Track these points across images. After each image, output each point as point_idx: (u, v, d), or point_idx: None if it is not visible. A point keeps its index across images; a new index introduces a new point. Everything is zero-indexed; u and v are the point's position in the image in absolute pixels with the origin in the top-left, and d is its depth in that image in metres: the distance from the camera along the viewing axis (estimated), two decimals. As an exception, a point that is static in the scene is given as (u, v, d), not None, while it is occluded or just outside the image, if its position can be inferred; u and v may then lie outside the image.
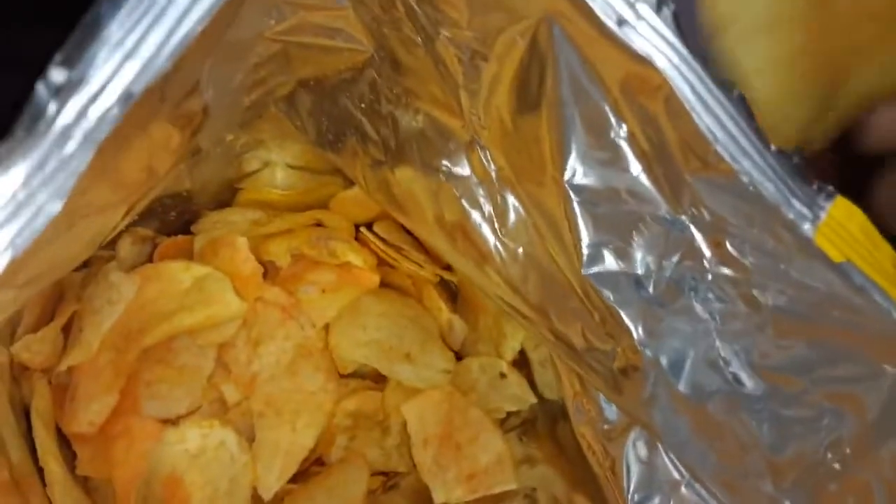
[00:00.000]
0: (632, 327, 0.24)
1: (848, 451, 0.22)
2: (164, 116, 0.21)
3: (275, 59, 0.24)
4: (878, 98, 0.21)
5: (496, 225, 0.28)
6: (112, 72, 0.14)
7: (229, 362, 0.33)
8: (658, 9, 0.16)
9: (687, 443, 0.26)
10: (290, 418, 0.33)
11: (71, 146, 0.14)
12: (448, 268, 0.36)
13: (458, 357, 0.36)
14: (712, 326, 0.22)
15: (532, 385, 0.37)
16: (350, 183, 0.33)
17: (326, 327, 0.34)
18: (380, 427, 0.35)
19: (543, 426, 0.37)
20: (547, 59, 0.21)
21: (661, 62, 0.17)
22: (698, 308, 0.22)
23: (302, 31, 0.23)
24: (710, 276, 0.22)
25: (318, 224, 0.35)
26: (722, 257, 0.21)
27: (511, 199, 0.27)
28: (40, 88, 0.13)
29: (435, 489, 0.34)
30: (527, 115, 0.23)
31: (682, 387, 0.24)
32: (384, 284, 0.36)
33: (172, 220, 0.33)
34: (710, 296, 0.22)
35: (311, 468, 0.34)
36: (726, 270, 0.21)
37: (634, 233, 0.23)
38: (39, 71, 0.14)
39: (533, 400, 0.36)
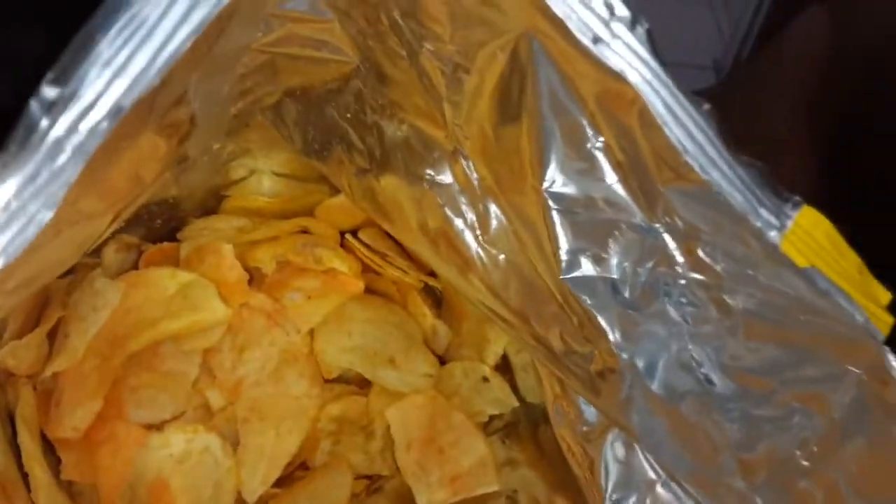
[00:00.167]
0: (608, 331, 0.25)
1: (815, 448, 0.23)
2: (152, 126, 0.22)
3: (262, 70, 0.25)
4: None
5: (478, 232, 0.29)
6: (102, 88, 0.14)
7: (214, 368, 0.34)
8: (632, 27, 0.17)
9: (663, 443, 0.27)
10: (275, 423, 0.33)
11: (62, 159, 0.14)
12: (432, 274, 0.36)
13: (442, 362, 0.37)
14: (685, 329, 0.23)
15: (514, 389, 0.37)
16: (335, 191, 0.34)
17: (311, 333, 0.35)
18: (364, 431, 0.36)
19: (525, 429, 0.37)
20: (527, 73, 0.22)
21: (633, 78, 0.18)
22: (672, 312, 0.23)
23: (289, 43, 0.24)
24: (682, 281, 0.22)
25: (304, 231, 0.35)
26: (694, 263, 0.22)
27: (493, 208, 0.28)
28: (33, 104, 0.14)
29: (418, 492, 0.34)
30: (508, 127, 0.24)
31: (656, 388, 0.24)
32: (369, 291, 0.36)
33: (158, 228, 0.33)
34: (683, 300, 0.23)
35: (295, 472, 0.35)
36: (698, 276, 0.22)
37: (611, 240, 0.24)
38: (30, 72, 0.15)
39: (515, 404, 0.37)
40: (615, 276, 0.24)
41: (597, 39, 0.17)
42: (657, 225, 0.23)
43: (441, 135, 0.26)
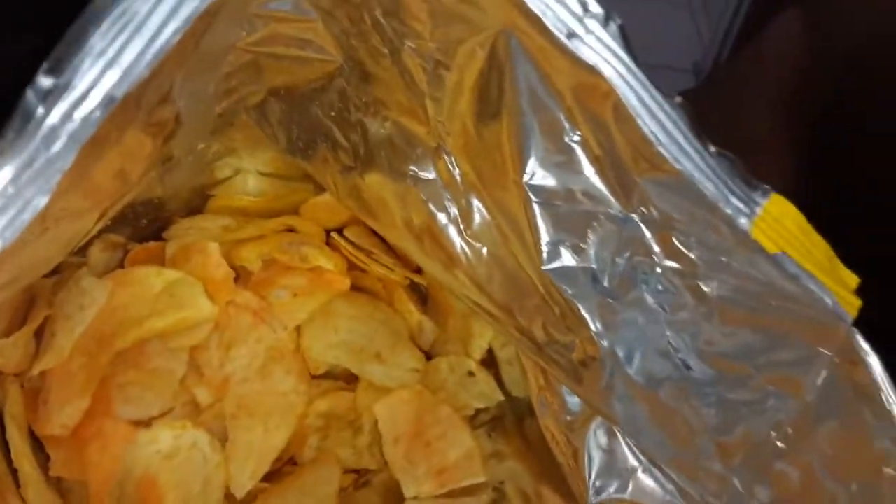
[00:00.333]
0: (589, 320, 0.25)
1: (790, 430, 0.23)
2: (138, 124, 0.22)
3: (246, 69, 0.25)
4: None
5: (462, 227, 0.29)
6: (95, 78, 0.15)
7: (202, 365, 0.34)
8: (605, 23, 0.18)
9: (643, 429, 0.28)
10: (263, 419, 0.34)
11: (57, 146, 0.15)
12: (418, 271, 0.37)
13: (428, 357, 0.37)
14: (662, 317, 0.24)
15: (500, 383, 0.38)
16: (321, 189, 0.34)
17: (298, 330, 0.35)
18: (351, 427, 0.36)
19: (511, 422, 0.38)
20: (505, 70, 0.22)
21: (608, 72, 0.19)
22: (649, 300, 0.24)
23: (273, 42, 0.24)
24: (659, 270, 0.23)
25: (290, 230, 0.36)
26: (669, 252, 0.23)
27: (475, 202, 0.28)
28: (29, 93, 0.14)
29: (406, 485, 0.34)
30: (488, 123, 0.24)
31: (636, 375, 0.25)
32: (355, 288, 0.36)
33: (144, 227, 0.33)
34: (660, 288, 0.23)
35: (283, 468, 0.35)
36: (674, 264, 0.23)
37: (590, 231, 0.24)
38: (22, 75, 0.15)
39: (501, 397, 0.37)
40: (594, 266, 0.24)
41: (571, 35, 0.18)
42: (633, 215, 0.23)
43: (423, 131, 0.27)
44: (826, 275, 0.22)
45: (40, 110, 0.14)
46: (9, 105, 0.15)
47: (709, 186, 0.20)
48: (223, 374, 0.34)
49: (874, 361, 0.22)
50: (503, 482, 0.36)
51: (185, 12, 0.15)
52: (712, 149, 0.20)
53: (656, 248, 0.23)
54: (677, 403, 0.25)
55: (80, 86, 0.15)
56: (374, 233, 0.36)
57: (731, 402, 0.24)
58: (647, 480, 0.29)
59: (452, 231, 0.29)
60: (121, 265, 0.34)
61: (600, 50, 0.18)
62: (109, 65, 0.15)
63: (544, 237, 0.25)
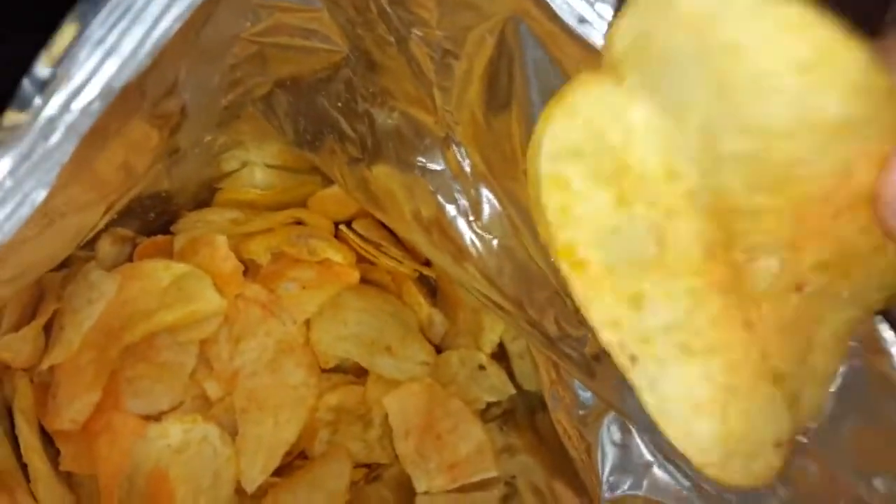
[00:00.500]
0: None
1: (810, 424, 0.23)
2: (143, 116, 0.22)
3: (251, 60, 0.25)
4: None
5: (471, 218, 0.29)
6: (94, 68, 0.14)
7: (211, 359, 0.34)
8: (617, 7, 0.17)
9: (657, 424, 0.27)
10: (273, 413, 0.34)
11: (55, 138, 0.15)
12: (427, 263, 0.36)
13: (438, 351, 0.37)
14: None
15: (511, 376, 0.37)
16: (329, 181, 0.34)
17: (307, 323, 0.35)
18: (362, 420, 0.36)
19: (523, 416, 0.38)
20: (514, 56, 0.22)
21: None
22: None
23: (278, 33, 0.24)
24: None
25: (298, 222, 0.36)
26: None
27: (486, 193, 0.28)
28: (26, 83, 0.14)
29: (417, 479, 0.34)
30: (498, 112, 0.24)
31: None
32: (364, 281, 0.36)
33: (152, 221, 0.33)
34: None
35: (294, 462, 0.35)
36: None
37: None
38: (22, 70, 0.15)
39: (512, 391, 0.37)
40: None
41: (582, 20, 0.18)
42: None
43: (432, 121, 0.26)
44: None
45: (37, 101, 0.14)
46: (8, 97, 0.14)
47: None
48: (233, 368, 0.34)
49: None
50: (515, 476, 0.35)
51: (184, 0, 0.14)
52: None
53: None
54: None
55: (78, 76, 0.14)
56: (383, 225, 0.36)
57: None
58: (662, 476, 0.28)
59: (461, 223, 0.29)
60: (129, 259, 0.34)
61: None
62: (108, 54, 0.14)
63: (556, 228, 0.25)
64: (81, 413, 0.30)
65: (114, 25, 0.14)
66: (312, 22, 0.24)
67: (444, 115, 0.26)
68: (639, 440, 0.30)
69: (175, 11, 0.14)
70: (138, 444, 0.31)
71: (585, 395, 0.31)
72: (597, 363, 0.28)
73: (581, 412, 0.32)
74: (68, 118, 0.14)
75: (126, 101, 0.15)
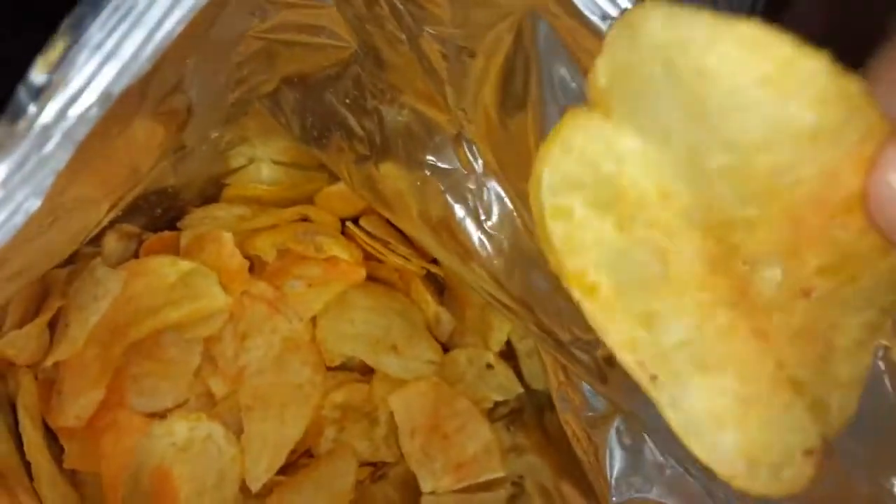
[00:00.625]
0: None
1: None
2: (147, 114, 0.21)
3: (258, 57, 0.24)
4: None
5: (482, 218, 0.28)
6: (92, 73, 0.14)
7: (216, 356, 0.33)
8: (640, 2, 0.17)
9: (669, 429, 0.27)
10: (278, 411, 0.33)
11: (50, 146, 0.14)
12: (435, 261, 0.36)
13: (446, 349, 0.37)
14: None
15: (519, 375, 0.37)
16: (336, 178, 0.33)
17: (313, 321, 0.35)
18: (368, 418, 0.36)
19: (530, 416, 0.37)
20: (531, 54, 0.21)
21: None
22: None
23: (285, 29, 0.23)
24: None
25: (304, 219, 0.35)
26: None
27: (497, 193, 0.27)
28: (21, 90, 0.14)
29: (423, 478, 0.34)
30: (513, 111, 0.23)
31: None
32: (371, 278, 0.36)
33: (158, 217, 0.33)
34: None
35: (299, 460, 0.35)
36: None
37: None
38: (21, 72, 0.14)
39: (520, 390, 0.37)
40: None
41: (605, 16, 0.17)
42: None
43: (444, 118, 0.26)
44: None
45: (32, 108, 0.14)
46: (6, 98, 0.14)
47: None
48: (238, 366, 0.33)
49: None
50: (522, 476, 0.35)
51: (188, 2, 0.14)
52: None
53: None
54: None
55: (75, 81, 0.14)
56: (390, 222, 0.35)
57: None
58: (673, 480, 0.28)
59: (471, 223, 0.28)
60: (135, 255, 0.33)
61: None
62: (107, 59, 0.14)
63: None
64: (86, 410, 0.30)
65: (113, 29, 0.14)
66: (320, 18, 0.23)
67: (457, 113, 0.25)
68: (649, 443, 0.29)
69: (178, 14, 0.14)
70: (142, 442, 0.31)
71: (594, 397, 0.31)
72: (609, 368, 0.27)
73: (590, 414, 0.31)
74: (65, 126, 0.14)
75: (126, 103, 0.15)
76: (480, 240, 0.29)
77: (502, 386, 0.37)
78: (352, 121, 0.28)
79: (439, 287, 0.38)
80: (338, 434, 0.35)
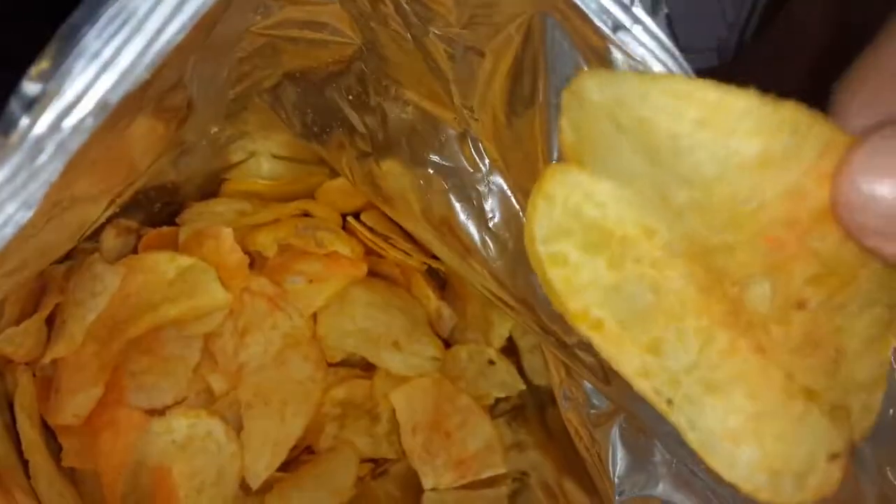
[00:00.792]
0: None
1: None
2: (147, 111, 0.21)
3: (260, 53, 0.24)
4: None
5: (485, 217, 0.28)
6: (88, 83, 0.13)
7: (216, 353, 0.33)
8: (653, 12, 0.16)
9: (674, 433, 0.27)
10: (279, 408, 0.33)
11: (43, 157, 0.13)
12: (436, 256, 0.36)
13: (447, 345, 0.37)
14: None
15: (521, 371, 0.37)
16: (337, 173, 0.33)
17: (314, 317, 0.34)
18: (369, 415, 0.35)
19: (532, 412, 0.37)
20: (540, 55, 0.21)
21: (657, 68, 0.17)
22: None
23: (288, 26, 0.23)
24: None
25: (305, 214, 0.35)
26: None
27: (502, 192, 0.27)
28: (13, 101, 0.13)
29: (424, 475, 0.34)
30: (521, 112, 0.23)
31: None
32: (372, 274, 0.35)
33: (157, 212, 0.32)
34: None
35: (300, 456, 0.35)
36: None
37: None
38: (22, 68, 0.14)
39: (522, 386, 0.36)
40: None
41: (617, 27, 0.16)
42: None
43: (449, 116, 0.25)
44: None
45: (25, 121, 0.13)
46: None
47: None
48: (238, 362, 0.33)
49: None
50: (526, 473, 0.35)
51: (191, 7, 0.13)
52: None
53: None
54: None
55: (70, 91, 0.13)
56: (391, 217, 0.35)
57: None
58: (677, 479, 0.28)
59: (474, 222, 0.28)
60: (134, 250, 0.33)
61: (648, 43, 0.17)
62: (105, 67, 0.13)
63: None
64: (84, 407, 0.30)
65: (112, 37, 0.13)
66: (324, 15, 0.23)
67: (463, 111, 0.25)
68: (653, 441, 0.29)
69: (180, 21, 0.13)
70: (142, 439, 0.31)
71: (597, 394, 0.31)
72: (614, 371, 0.27)
73: (592, 412, 0.31)
74: (58, 137, 0.13)
75: (123, 109, 0.14)
76: (483, 239, 0.28)
77: (504, 382, 0.36)
78: (354, 117, 0.27)
79: (440, 282, 0.38)
80: (339, 431, 0.35)
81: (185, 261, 0.31)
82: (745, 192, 0.15)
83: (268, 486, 0.33)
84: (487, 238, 0.28)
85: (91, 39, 0.13)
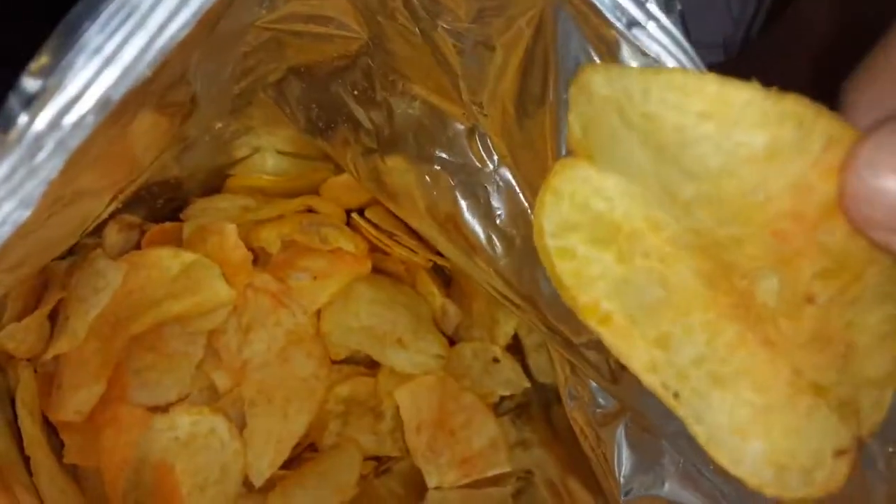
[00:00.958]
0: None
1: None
2: (151, 106, 0.21)
3: (265, 47, 0.23)
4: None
5: (493, 214, 0.28)
6: (90, 79, 0.13)
7: (220, 349, 0.33)
8: (667, 9, 0.16)
9: (681, 432, 0.26)
10: (282, 405, 0.33)
11: (42, 155, 0.13)
12: (441, 253, 0.35)
13: (452, 342, 0.36)
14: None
15: (526, 369, 0.36)
16: (341, 168, 0.32)
17: (318, 314, 0.34)
18: (373, 413, 0.35)
19: (537, 410, 0.37)
20: (551, 49, 0.20)
21: (670, 64, 0.17)
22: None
23: (293, 20, 0.22)
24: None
25: (310, 210, 0.34)
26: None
27: (511, 189, 0.27)
28: (11, 97, 0.13)
29: (428, 473, 0.34)
30: (531, 107, 0.23)
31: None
32: (377, 270, 0.35)
33: (160, 207, 0.32)
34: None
35: (303, 454, 0.34)
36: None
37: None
38: (21, 67, 0.13)
39: (526, 384, 0.36)
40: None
41: (632, 24, 0.16)
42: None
43: (458, 111, 0.25)
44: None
45: (24, 117, 0.13)
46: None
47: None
48: (241, 359, 0.33)
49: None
50: (531, 472, 0.35)
51: (195, 3, 0.13)
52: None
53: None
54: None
55: (71, 87, 0.13)
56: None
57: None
58: (684, 479, 0.28)
59: (480, 219, 0.28)
60: (137, 246, 0.33)
61: (663, 39, 0.16)
62: (107, 63, 0.13)
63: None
64: (86, 404, 0.30)
65: (114, 32, 0.13)
66: (330, 8, 0.22)
67: (471, 107, 0.24)
68: (660, 441, 0.29)
69: (183, 17, 0.13)
70: (144, 437, 0.30)
71: (602, 393, 0.30)
72: (621, 370, 0.27)
73: (598, 411, 0.31)
74: (58, 135, 0.13)
75: (125, 105, 0.14)
76: (489, 236, 0.28)
77: (509, 380, 0.36)
78: (359, 113, 0.27)
79: (446, 279, 0.37)
80: (342, 428, 0.35)
81: (188, 257, 0.31)
82: (751, 184, 0.15)
83: (271, 484, 0.32)
84: (494, 235, 0.28)
85: (93, 34, 0.13)
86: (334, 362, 0.35)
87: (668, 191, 0.16)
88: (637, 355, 0.17)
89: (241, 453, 0.32)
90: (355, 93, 0.26)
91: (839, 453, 0.17)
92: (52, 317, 0.30)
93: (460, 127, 0.25)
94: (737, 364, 0.17)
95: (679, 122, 0.14)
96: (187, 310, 0.31)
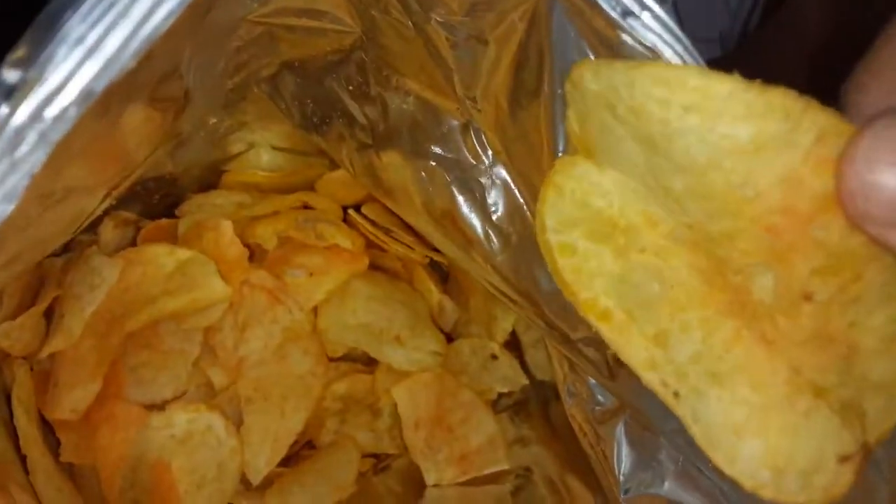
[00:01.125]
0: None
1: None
2: (142, 100, 0.20)
3: (258, 42, 0.23)
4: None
5: (489, 210, 0.27)
6: (71, 70, 0.13)
7: (216, 346, 0.33)
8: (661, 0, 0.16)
9: (680, 430, 0.26)
10: (279, 402, 0.33)
11: (24, 149, 0.13)
12: (438, 249, 0.35)
13: (450, 339, 0.36)
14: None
15: (524, 366, 0.36)
16: (336, 164, 0.32)
17: (315, 310, 0.34)
18: (370, 410, 0.35)
19: (536, 406, 0.37)
20: (545, 43, 0.20)
21: (667, 53, 0.16)
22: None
23: (286, 14, 0.22)
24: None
25: (305, 206, 0.34)
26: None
27: (506, 185, 0.26)
28: (-8, 90, 0.13)
29: (426, 470, 0.34)
30: (525, 102, 0.22)
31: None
32: (373, 267, 0.35)
33: (156, 204, 0.32)
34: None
35: (301, 451, 0.34)
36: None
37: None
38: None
39: (525, 381, 0.36)
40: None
41: (627, 13, 0.16)
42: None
43: (452, 106, 0.25)
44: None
45: (4, 109, 0.13)
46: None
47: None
48: (238, 356, 0.33)
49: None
50: (529, 469, 0.35)
51: (178, -7, 0.12)
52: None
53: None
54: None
55: (52, 79, 0.13)
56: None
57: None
58: (684, 477, 0.27)
59: (476, 215, 0.28)
60: (133, 243, 0.32)
61: (658, 29, 0.16)
62: (89, 54, 0.13)
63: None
64: (82, 402, 0.30)
65: (97, 21, 0.12)
66: (322, 2, 0.22)
67: (466, 101, 0.24)
68: (659, 439, 0.29)
69: (168, 6, 0.12)
70: (141, 434, 0.30)
71: (601, 390, 0.30)
72: (619, 366, 0.26)
73: (597, 408, 0.31)
74: (40, 127, 0.13)
75: (115, 93, 0.14)
76: (486, 232, 0.28)
77: (507, 377, 0.36)
78: (354, 108, 0.26)
79: (443, 276, 0.37)
80: (340, 425, 0.34)
81: (184, 253, 0.31)
82: (738, 178, 0.14)
83: (268, 482, 0.32)
84: (490, 231, 0.27)
85: (74, 24, 0.12)
86: (331, 359, 0.34)
87: (662, 185, 0.16)
88: (636, 353, 0.17)
89: (238, 451, 0.32)
90: (350, 88, 0.26)
91: (843, 459, 0.17)
92: (48, 314, 0.30)
93: (455, 122, 0.25)
94: (733, 361, 0.17)
95: (664, 116, 0.14)
96: (183, 307, 0.31)
